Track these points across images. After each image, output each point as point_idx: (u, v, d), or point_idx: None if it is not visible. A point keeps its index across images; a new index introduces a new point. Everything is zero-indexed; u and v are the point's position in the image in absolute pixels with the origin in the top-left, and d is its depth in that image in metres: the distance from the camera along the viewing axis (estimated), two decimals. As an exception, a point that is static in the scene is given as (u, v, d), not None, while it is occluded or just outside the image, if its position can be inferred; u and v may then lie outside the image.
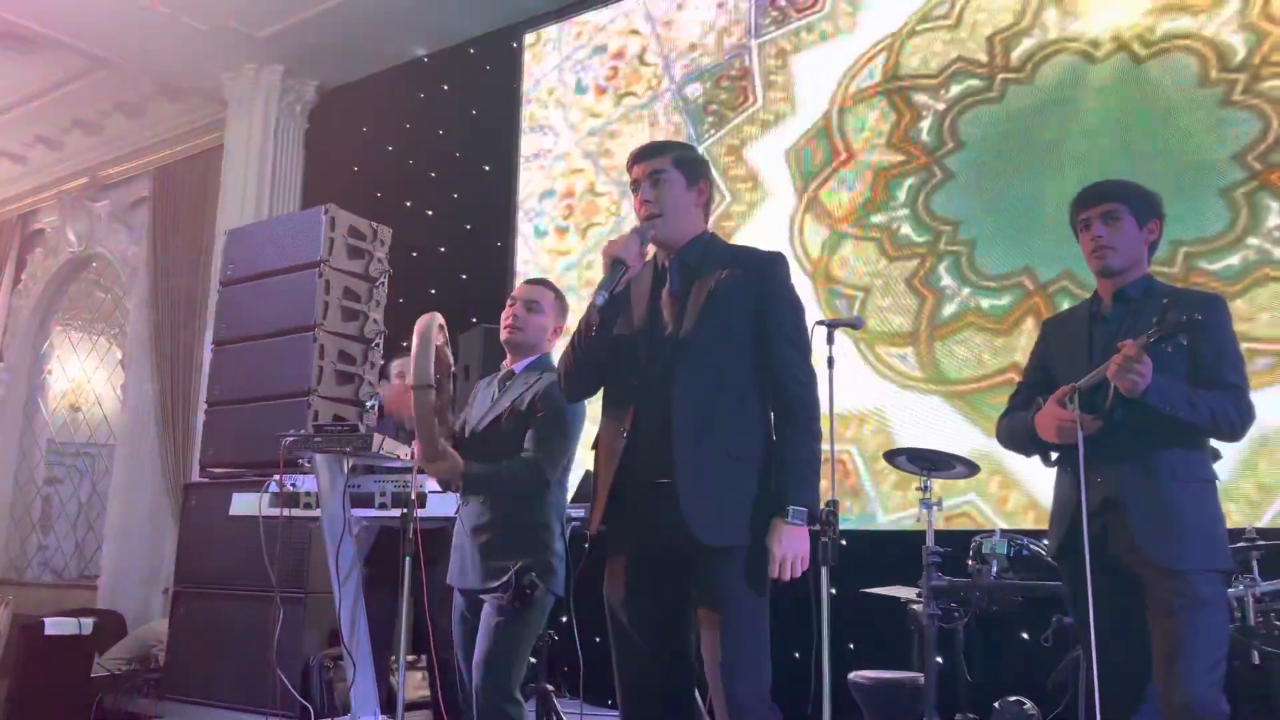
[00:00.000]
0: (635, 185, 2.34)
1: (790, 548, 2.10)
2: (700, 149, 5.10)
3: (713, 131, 5.23)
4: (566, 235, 5.98)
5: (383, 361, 5.38)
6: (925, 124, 4.48)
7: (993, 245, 4.35)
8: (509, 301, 3.06)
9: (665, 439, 2.16)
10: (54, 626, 4.87)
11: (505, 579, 2.71)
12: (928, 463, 3.29)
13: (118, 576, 7.95)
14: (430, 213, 7.22)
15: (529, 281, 3.14)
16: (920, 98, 4.51)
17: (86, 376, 9.67)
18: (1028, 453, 2.44)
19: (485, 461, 2.81)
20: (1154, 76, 3.96)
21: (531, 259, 6.32)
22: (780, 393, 2.22)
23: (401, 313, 6.73)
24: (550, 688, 4.11)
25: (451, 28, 7.09)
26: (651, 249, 2.31)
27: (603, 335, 2.22)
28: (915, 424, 4.30)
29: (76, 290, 9.92)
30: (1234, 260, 3.59)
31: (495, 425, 2.89)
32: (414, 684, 4.73)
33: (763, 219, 5.05)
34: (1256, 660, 2.78)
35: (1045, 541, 2.64)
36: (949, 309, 4.39)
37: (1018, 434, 2.43)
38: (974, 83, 4.36)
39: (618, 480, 2.22)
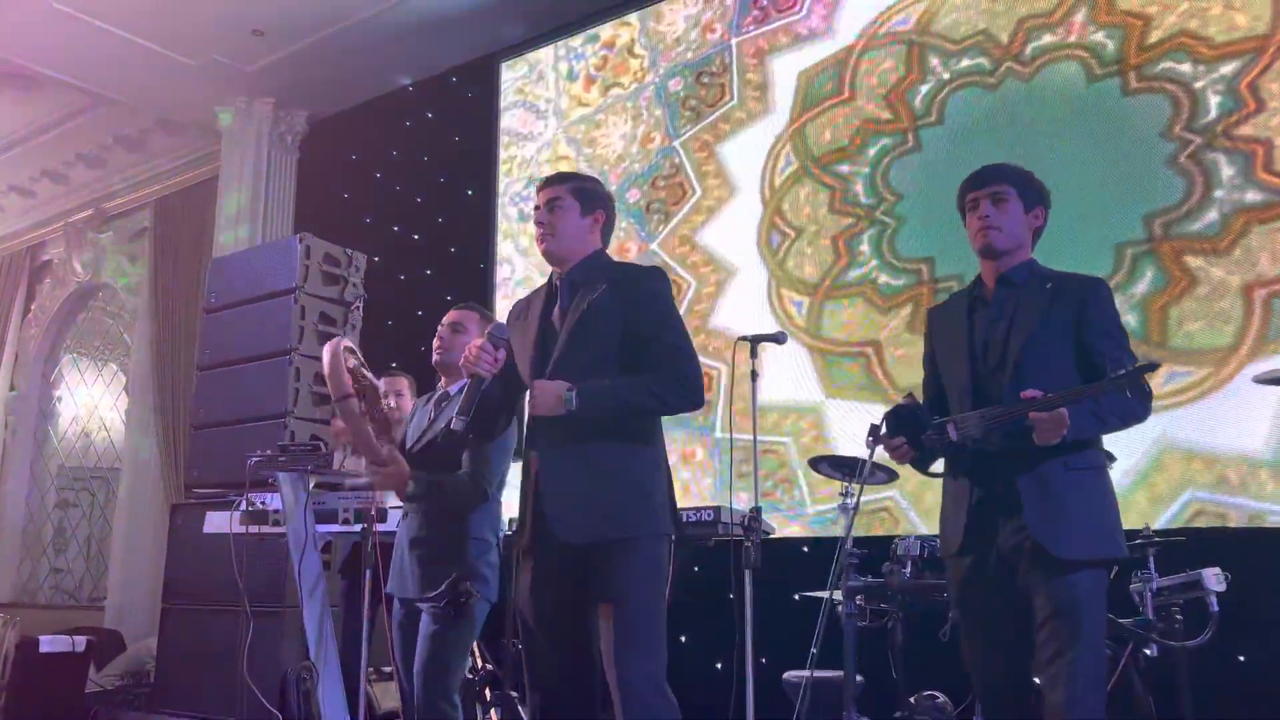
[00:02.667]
0: (536, 210, 2.54)
1: (544, 390, 2.31)
2: (676, 143, 5.28)
3: (689, 126, 5.35)
4: (593, 86, 6.07)
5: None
6: (925, 88, 4.49)
7: (914, 228, 4.47)
8: (440, 326, 3.25)
9: (546, 453, 2.38)
10: (49, 644, 5.07)
11: (441, 588, 2.86)
12: (850, 470, 3.42)
13: (124, 596, 8.18)
14: (416, 237, 7.43)
15: (456, 307, 3.34)
16: (934, 60, 4.47)
17: (95, 402, 9.93)
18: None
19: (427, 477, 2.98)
20: (1129, 111, 3.96)
21: (523, 272, 6.45)
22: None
23: (389, 335, 6.96)
24: (515, 694, 4.25)
25: (433, 58, 7.30)
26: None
27: (489, 407, 2.48)
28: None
29: (84, 319, 10.21)
30: (1212, 215, 3.62)
31: (431, 445, 3.05)
32: (391, 693, 4.88)
33: (733, 209, 5.16)
34: (1155, 653, 2.90)
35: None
36: (852, 274, 4.56)
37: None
38: (983, 61, 4.30)
39: (523, 492, 2.43)
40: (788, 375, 4.62)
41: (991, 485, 2.28)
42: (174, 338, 8.41)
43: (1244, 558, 3.35)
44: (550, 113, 6.17)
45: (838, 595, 3.30)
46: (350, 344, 3.09)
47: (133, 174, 9.25)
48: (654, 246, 5.43)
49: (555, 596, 2.37)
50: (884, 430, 2.38)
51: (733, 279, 5.08)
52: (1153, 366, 2.03)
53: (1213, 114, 3.68)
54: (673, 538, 2.40)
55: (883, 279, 4.56)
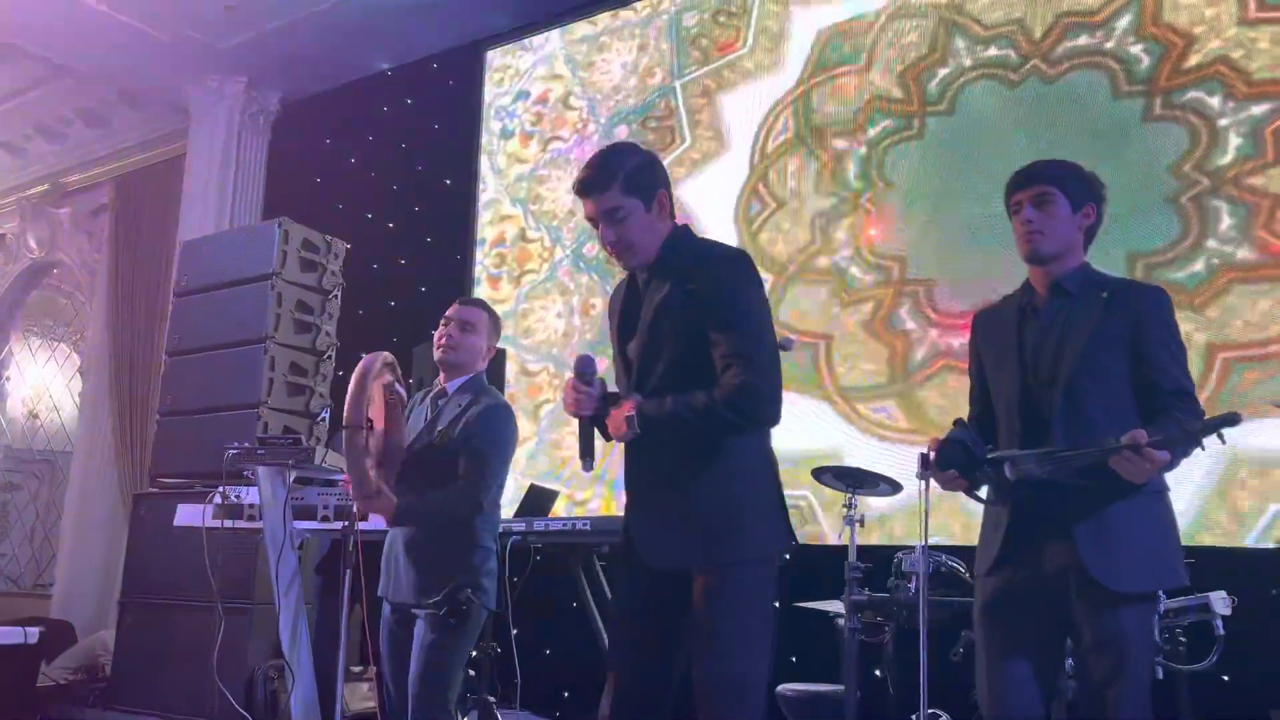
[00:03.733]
0: (592, 222, 2.24)
1: (613, 420, 2.12)
2: (677, 83, 4.99)
3: (694, 69, 5.19)
4: (500, 284, 5.97)
5: (340, 374, 5.44)
6: (943, 71, 4.33)
7: (894, 222, 4.36)
8: (443, 321, 3.09)
9: (634, 471, 2.22)
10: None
11: (441, 596, 2.75)
12: (853, 480, 3.37)
13: (72, 585, 7.91)
14: (391, 225, 7.27)
15: (463, 302, 3.18)
16: (960, 42, 4.31)
17: (45, 383, 9.62)
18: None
19: (420, 483, 2.87)
20: (1070, 93, 3.97)
21: (498, 198, 6.29)
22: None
23: (360, 325, 6.80)
24: (492, 699, 4.16)
25: (414, 42, 7.14)
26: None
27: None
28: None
29: (37, 297, 9.88)
30: (1197, 267, 3.59)
31: (429, 447, 2.94)
32: (360, 695, 4.76)
33: (719, 167, 5.05)
34: (1160, 675, 2.87)
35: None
36: (822, 261, 4.45)
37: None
38: (1010, 53, 4.16)
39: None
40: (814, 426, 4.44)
41: (1036, 504, 2.13)
42: (133, 320, 8.16)
43: (1240, 581, 3.35)
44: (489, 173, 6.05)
45: (838, 608, 3.26)
46: (390, 359, 2.94)
47: (94, 149, 8.96)
48: None
49: (640, 617, 2.20)
50: (934, 459, 2.22)
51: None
52: (1234, 421, 1.87)
53: (1229, 156, 3.60)
54: (775, 556, 2.17)
55: (852, 270, 4.48)
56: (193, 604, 4.56)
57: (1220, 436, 1.89)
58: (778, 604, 2.24)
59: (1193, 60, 3.78)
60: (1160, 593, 2.25)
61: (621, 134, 5.50)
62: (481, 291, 6.25)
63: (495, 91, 6.28)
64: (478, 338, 3.04)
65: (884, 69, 4.49)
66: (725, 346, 2.10)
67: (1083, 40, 3.97)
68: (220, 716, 3.95)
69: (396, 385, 2.93)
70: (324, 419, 4.96)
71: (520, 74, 6.19)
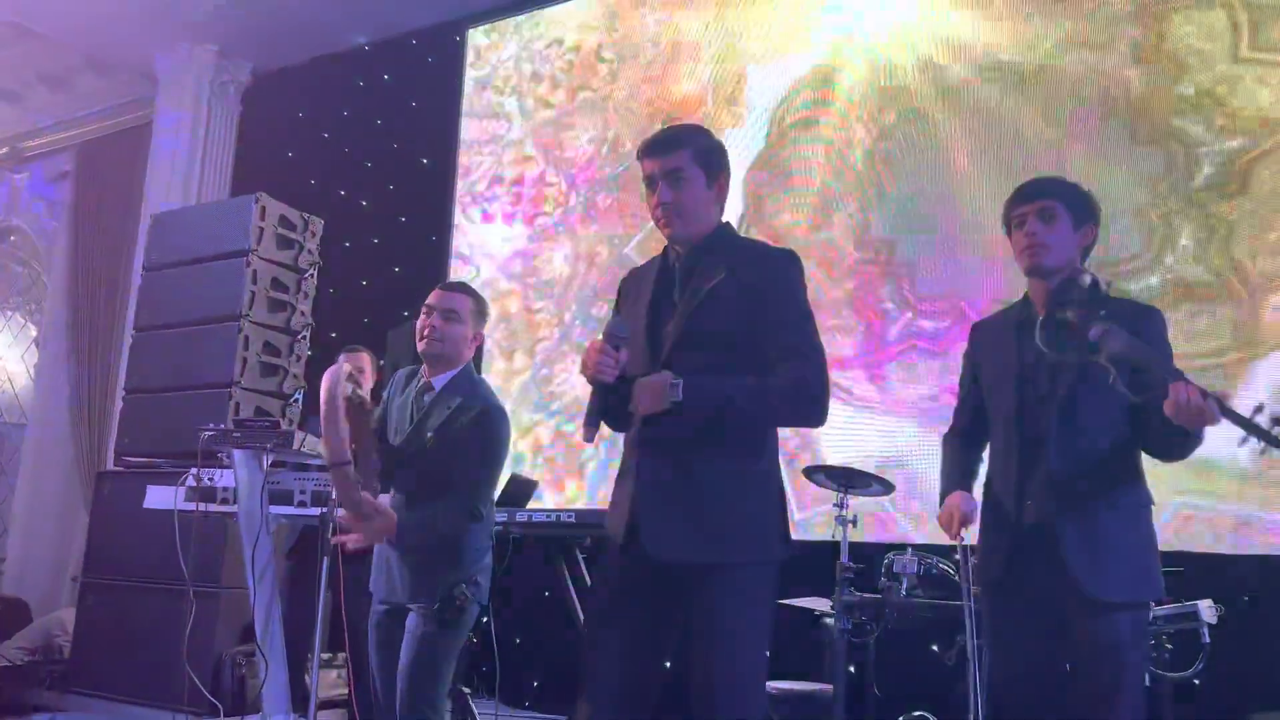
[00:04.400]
0: (650, 182, 2.19)
1: (644, 387, 2.05)
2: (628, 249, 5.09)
3: (635, 234, 5.33)
4: (515, 222, 5.90)
5: (309, 354, 5.33)
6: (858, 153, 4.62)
7: (932, 274, 4.46)
8: (425, 310, 2.93)
9: (647, 461, 2.13)
10: (-48, 615, 4.72)
11: (432, 591, 2.68)
12: (845, 480, 3.36)
13: (24, 563, 7.71)
14: (365, 204, 7.14)
15: (445, 287, 2.99)
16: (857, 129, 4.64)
17: (-1, 353, 9.36)
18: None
19: (413, 487, 2.81)
20: (1067, 107, 4.13)
21: (479, 244, 6.21)
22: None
23: (332, 305, 6.67)
24: (467, 690, 4.11)
25: (394, 18, 7.00)
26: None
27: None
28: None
29: (-9, 264, 9.60)
30: (1152, 281, 3.79)
31: (421, 451, 2.81)
32: (329, 682, 4.68)
33: None
34: (1146, 682, 2.90)
35: (957, 557, 2.65)
36: (893, 332, 4.55)
37: (944, 473, 2.46)
38: (895, 116, 4.52)
39: (619, 493, 2.22)
40: (858, 438, 4.49)
41: (1033, 517, 2.20)
42: (94, 292, 7.95)
43: (1213, 585, 3.40)
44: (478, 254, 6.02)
45: (826, 606, 3.24)
46: (350, 368, 2.78)
47: (55, 114, 8.69)
48: (629, 251, 5.30)
49: (637, 613, 2.13)
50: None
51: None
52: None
53: (1197, 183, 3.79)
54: (779, 561, 2.14)
55: (847, 247, 4.64)
56: (158, 587, 4.45)
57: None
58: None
59: (1187, 87, 3.94)
60: (1150, 601, 2.29)
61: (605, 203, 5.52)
62: (495, 228, 6.06)
63: (475, 176, 6.19)
64: (462, 326, 2.88)
65: (914, 61, 4.60)
66: (783, 340, 2.08)
67: (1087, 59, 4.12)
68: (186, 703, 3.85)
69: (357, 391, 2.76)
70: (297, 400, 4.85)
71: (496, 156, 6.15)
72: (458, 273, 6.32)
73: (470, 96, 6.43)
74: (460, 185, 6.22)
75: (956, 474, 2.42)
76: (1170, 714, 3.05)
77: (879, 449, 4.27)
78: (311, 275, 5.12)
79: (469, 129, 6.29)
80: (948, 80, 4.45)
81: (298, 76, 7.74)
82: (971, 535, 2.33)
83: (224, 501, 3.89)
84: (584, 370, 2.11)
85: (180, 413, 4.65)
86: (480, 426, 2.75)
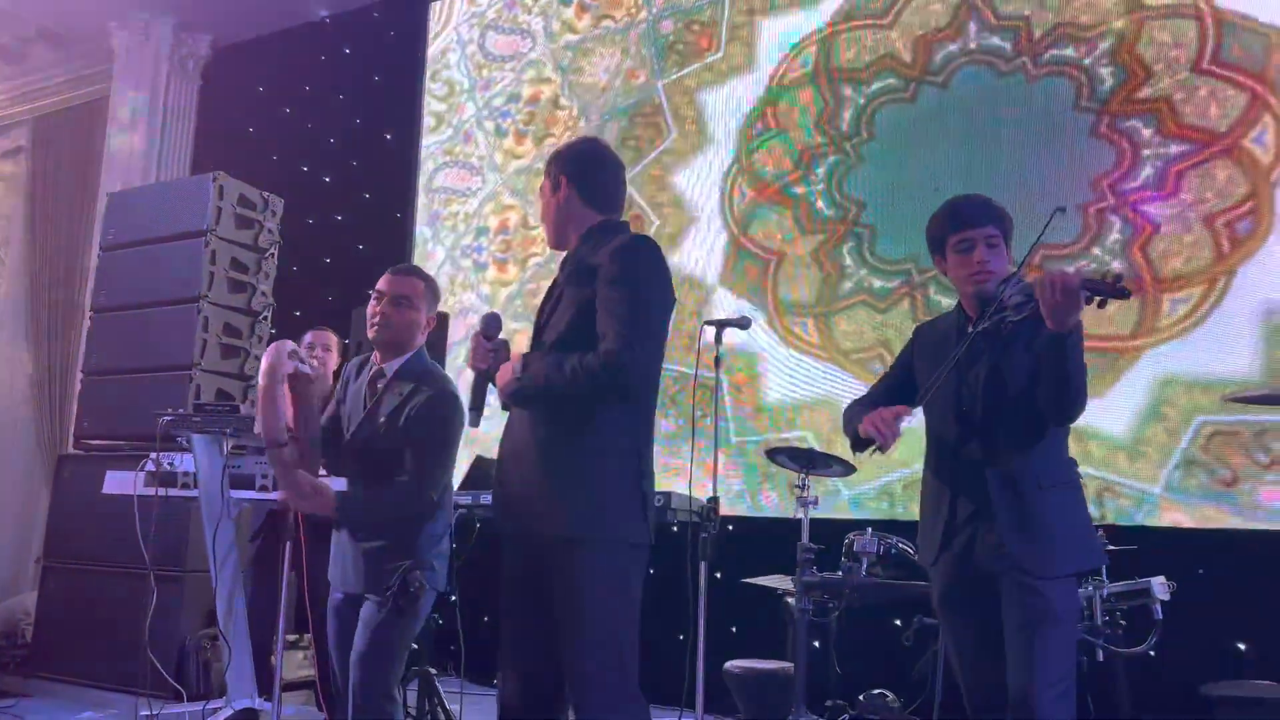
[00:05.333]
0: None
1: (500, 376, 2.22)
2: (629, 174, 5.26)
3: (636, 163, 5.37)
4: (526, 140, 5.93)
5: (273, 332, 5.27)
6: (847, 113, 4.77)
7: (891, 236, 4.62)
8: (375, 295, 2.85)
9: (506, 436, 2.28)
10: (-89, 601, 4.66)
11: (392, 580, 2.65)
12: (806, 461, 3.37)
13: (-14, 546, 7.62)
14: (327, 179, 7.05)
15: (396, 272, 2.89)
16: (847, 90, 4.79)
17: (-45, 333, 9.19)
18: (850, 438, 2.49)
19: (365, 475, 2.76)
20: (1042, 95, 4.27)
21: (488, 158, 6.11)
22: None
23: (294, 282, 6.60)
24: (433, 670, 4.11)
25: (354, -11, 6.91)
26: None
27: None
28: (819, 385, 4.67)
29: (-55, 241, 9.40)
30: (1148, 171, 3.97)
31: (373, 438, 2.76)
32: (295, 663, 4.68)
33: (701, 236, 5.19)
34: (1101, 657, 2.96)
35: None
36: (846, 286, 4.71)
37: (848, 423, 2.50)
38: (892, 81, 4.66)
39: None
40: (801, 379, 4.72)
41: (969, 498, 2.30)
42: (51, 271, 7.81)
43: (1167, 561, 3.46)
44: (541, 33, 5.98)
45: (782, 584, 3.27)
46: (289, 347, 2.72)
47: (8, 88, 8.49)
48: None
49: (511, 587, 2.24)
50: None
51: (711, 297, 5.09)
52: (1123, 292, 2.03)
53: (1108, 83, 4.06)
54: (634, 547, 2.15)
55: (819, 204, 4.80)
56: (120, 571, 4.41)
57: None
58: (639, 580, 2.20)
59: (1038, 33, 4.27)
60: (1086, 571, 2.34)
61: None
62: (507, 142, 6.03)
63: (494, 91, 6.12)
64: (413, 312, 2.82)
65: (903, 30, 4.70)
66: (601, 317, 2.15)
67: (1069, 51, 4.22)
68: (149, 687, 3.83)
69: (300, 366, 2.71)
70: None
71: (510, 80, 6.06)
72: (466, 181, 6.21)
73: (501, 9, 6.31)
74: (479, 99, 6.13)
75: (859, 409, 2.48)
76: (1126, 688, 3.11)
77: (818, 388, 4.65)
78: (272, 255, 5.07)
79: (494, 42, 6.19)
80: (939, 56, 4.54)
81: (258, 50, 7.60)
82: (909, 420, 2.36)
83: (185, 486, 3.84)
84: (468, 363, 2.29)
85: (140, 395, 4.61)
86: (432, 413, 2.70)
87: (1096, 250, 4.02)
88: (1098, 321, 3.93)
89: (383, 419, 2.73)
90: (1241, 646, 3.77)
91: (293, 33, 7.39)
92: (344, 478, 2.87)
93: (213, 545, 3.59)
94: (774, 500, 4.66)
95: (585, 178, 2.35)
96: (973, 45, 4.43)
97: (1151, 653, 3.73)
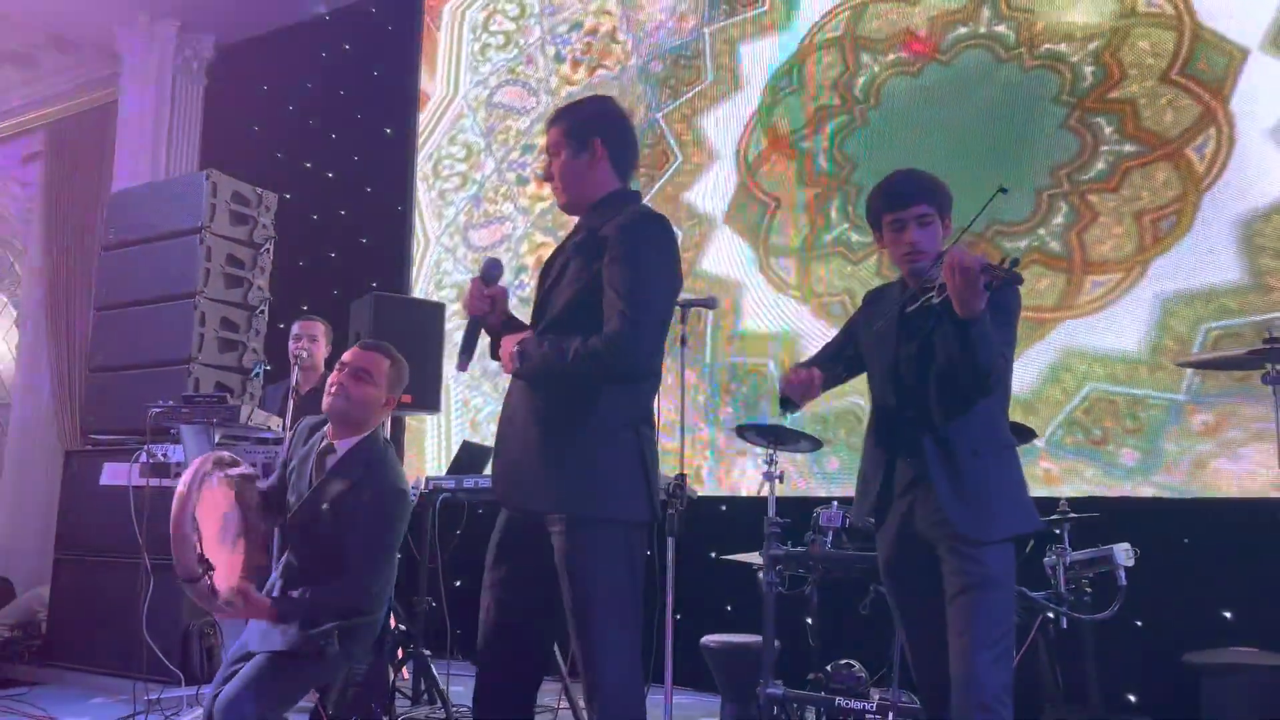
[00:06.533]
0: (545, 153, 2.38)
1: (504, 350, 2.21)
2: (664, 112, 5.57)
3: (669, 102, 5.63)
4: (580, 69, 6.09)
5: (280, 326, 5.37)
6: (861, 79, 5.02)
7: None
8: (338, 366, 2.75)
9: (506, 409, 2.26)
10: (-70, 594, 4.82)
11: (299, 638, 2.51)
12: (774, 437, 3.41)
13: (12, 541, 7.83)
14: (330, 175, 7.16)
15: (363, 346, 2.79)
16: (865, 57, 5.03)
17: (-18, 335, 9.43)
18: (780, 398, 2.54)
19: (305, 551, 2.66)
20: (1030, 85, 4.51)
21: (543, 80, 6.22)
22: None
23: (300, 276, 6.72)
24: (427, 652, 4.20)
25: (352, -15, 6.99)
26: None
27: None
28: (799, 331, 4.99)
29: (-30, 246, 9.64)
30: (1023, 243, 4.36)
31: (315, 522, 2.63)
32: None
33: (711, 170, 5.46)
34: (1065, 625, 2.97)
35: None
36: (827, 238, 5.00)
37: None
38: (905, 54, 4.87)
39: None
40: (773, 313, 5.10)
41: (907, 465, 2.35)
42: (69, 272, 7.99)
43: (1148, 530, 3.46)
44: (541, 91, 6.22)
45: (758, 560, 3.31)
46: (216, 460, 2.59)
47: (23, 94, 8.69)
48: (658, 117, 5.67)
49: (505, 564, 2.22)
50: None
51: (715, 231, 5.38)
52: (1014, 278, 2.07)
53: (1088, 81, 4.30)
54: (637, 527, 2.15)
55: (820, 160, 5.08)
56: (125, 561, 4.53)
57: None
58: (642, 559, 2.20)
59: (1039, 26, 4.48)
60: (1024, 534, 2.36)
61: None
62: (564, 68, 6.14)
63: (557, 19, 6.25)
64: (373, 388, 2.70)
65: (925, 8, 4.90)
66: (610, 297, 2.14)
67: (1062, 47, 4.43)
68: (149, 672, 3.94)
69: (230, 472, 2.63)
70: (258, 375, 4.91)
71: (522, 133, 6.25)
72: (522, 100, 6.32)
73: (504, 74, 6.46)
74: (546, 23, 6.26)
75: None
76: (1093, 655, 3.12)
77: (787, 324, 5.02)
78: (268, 250, 5.16)
79: (509, 96, 6.36)
80: (949, 36, 4.75)
81: (260, 49, 7.72)
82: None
83: (177, 476, 3.95)
84: (463, 306, 2.27)
85: (141, 390, 4.72)
86: (378, 510, 2.59)
87: (1041, 230, 4.31)
88: (1032, 294, 4.24)
89: (326, 505, 2.61)
90: (1227, 615, 3.77)
91: (294, 30, 7.50)
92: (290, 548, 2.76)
93: (203, 532, 3.68)
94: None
95: (620, 145, 2.31)
96: (981, 30, 4.62)
97: (1139, 623, 3.76)
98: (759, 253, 5.12)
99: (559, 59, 6.14)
